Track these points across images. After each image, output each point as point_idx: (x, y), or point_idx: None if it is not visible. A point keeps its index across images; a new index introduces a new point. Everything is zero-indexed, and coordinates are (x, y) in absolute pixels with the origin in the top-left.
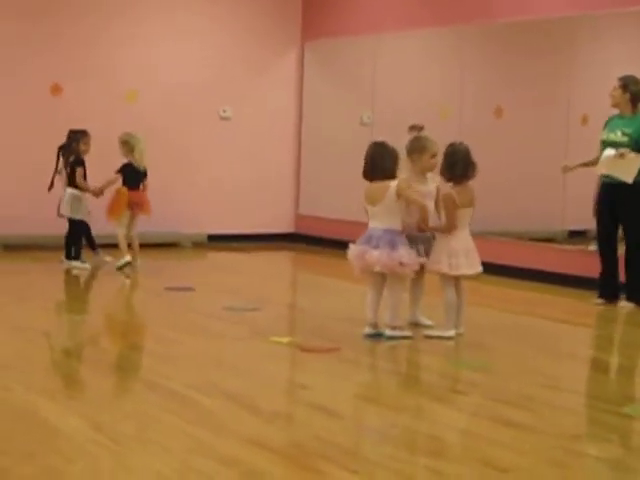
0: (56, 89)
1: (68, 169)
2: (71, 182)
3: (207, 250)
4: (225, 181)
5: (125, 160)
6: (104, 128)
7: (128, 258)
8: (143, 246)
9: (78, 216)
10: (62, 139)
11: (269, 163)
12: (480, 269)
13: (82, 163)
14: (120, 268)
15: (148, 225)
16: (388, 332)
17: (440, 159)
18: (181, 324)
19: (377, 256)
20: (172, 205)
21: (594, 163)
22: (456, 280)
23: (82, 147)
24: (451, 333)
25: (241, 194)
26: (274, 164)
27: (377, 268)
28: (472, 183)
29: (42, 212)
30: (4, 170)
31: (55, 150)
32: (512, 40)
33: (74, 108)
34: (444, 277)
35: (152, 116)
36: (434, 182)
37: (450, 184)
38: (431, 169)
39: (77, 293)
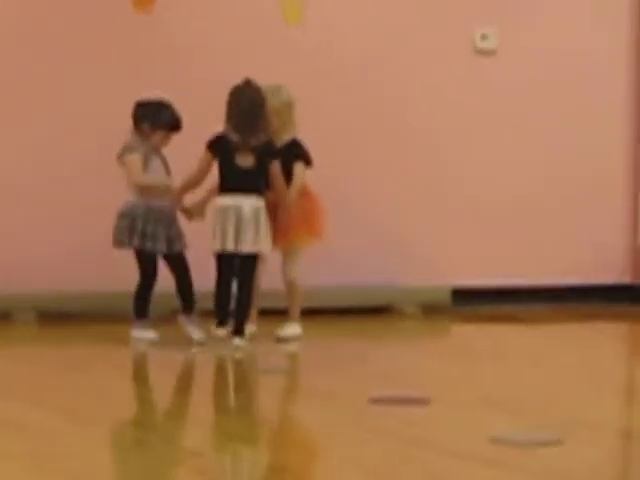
0: None
1: (255, 162)
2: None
3: (450, 319)
4: (485, 184)
5: (284, 137)
6: None
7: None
8: (320, 312)
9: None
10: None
11: (578, 152)
12: None
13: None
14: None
15: (329, 273)
16: None
17: None
18: (413, 475)
19: None
20: (376, 231)
21: None
22: None
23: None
24: None
25: (518, 211)
26: (588, 155)
27: None
28: None
29: None
30: None
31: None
32: None
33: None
34: None
35: (335, 48)
36: None
37: None
38: None
39: (223, 401)
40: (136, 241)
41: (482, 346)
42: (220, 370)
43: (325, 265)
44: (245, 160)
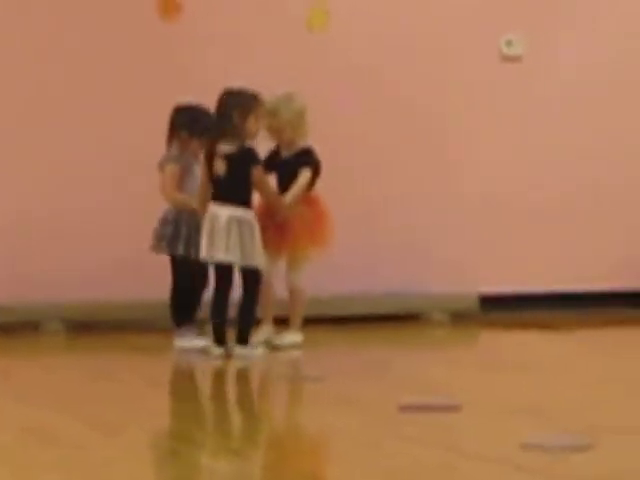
0: None
1: (227, 169)
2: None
3: (478, 326)
4: (513, 190)
5: (298, 144)
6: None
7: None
8: (348, 320)
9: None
10: None
11: (607, 158)
12: None
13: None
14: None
15: (356, 281)
16: None
17: None
18: None
19: None
20: (404, 239)
21: None
22: None
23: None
24: None
25: (547, 217)
26: (618, 160)
27: None
28: None
29: None
30: None
31: None
32: None
33: None
34: None
35: (358, 54)
36: None
37: None
38: None
39: (252, 409)
40: (181, 248)
41: (511, 353)
42: (248, 379)
43: (353, 273)
44: (219, 167)
